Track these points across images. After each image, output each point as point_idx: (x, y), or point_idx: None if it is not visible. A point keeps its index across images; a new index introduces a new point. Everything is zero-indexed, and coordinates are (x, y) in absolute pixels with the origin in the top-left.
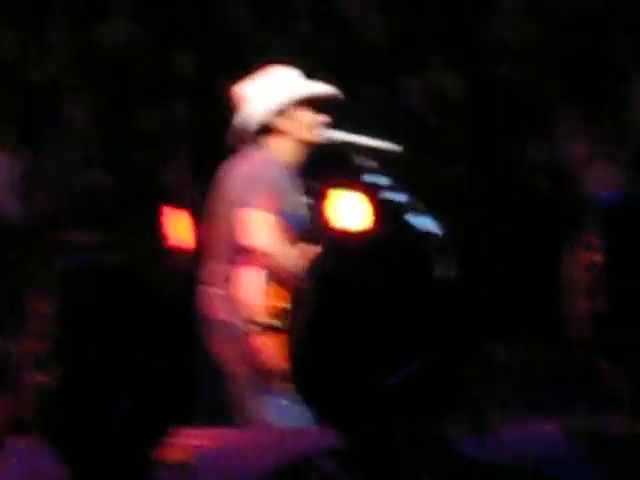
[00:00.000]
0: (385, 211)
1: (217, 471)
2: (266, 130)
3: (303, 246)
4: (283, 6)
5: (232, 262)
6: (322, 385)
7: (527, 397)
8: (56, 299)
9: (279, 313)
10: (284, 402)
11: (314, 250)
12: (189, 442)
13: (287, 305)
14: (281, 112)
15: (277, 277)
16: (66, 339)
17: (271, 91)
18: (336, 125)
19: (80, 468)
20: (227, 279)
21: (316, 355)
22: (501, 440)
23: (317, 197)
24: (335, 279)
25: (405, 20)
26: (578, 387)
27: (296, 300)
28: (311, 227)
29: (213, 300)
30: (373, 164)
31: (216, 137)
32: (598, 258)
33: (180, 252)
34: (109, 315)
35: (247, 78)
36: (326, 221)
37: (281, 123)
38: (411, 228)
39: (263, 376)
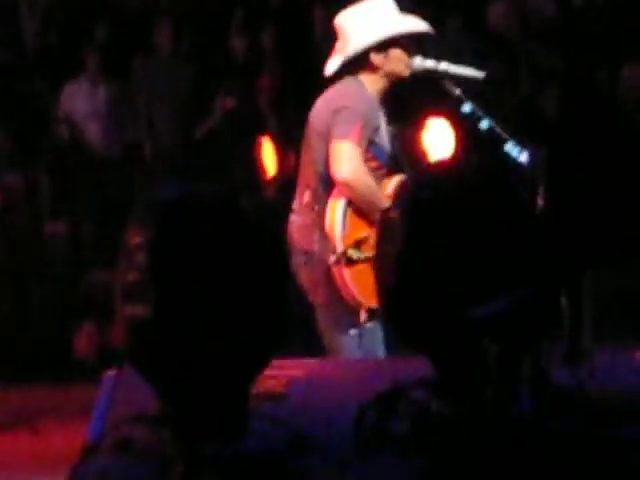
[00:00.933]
0: (480, 141)
1: (310, 402)
2: (360, 63)
3: (396, 179)
4: None
5: (319, 192)
6: (413, 315)
7: (627, 325)
8: (151, 229)
9: (359, 243)
10: (363, 331)
11: (402, 180)
12: (282, 373)
13: (368, 235)
14: (377, 47)
15: (359, 208)
16: (161, 270)
17: (369, 25)
18: (424, 53)
19: (173, 401)
20: (311, 208)
21: (407, 286)
22: (598, 369)
23: (407, 126)
24: (428, 209)
25: None
26: None
27: (383, 232)
28: (400, 157)
29: (300, 230)
30: (461, 92)
31: (306, 67)
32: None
33: (272, 182)
34: (206, 246)
35: (345, 8)
36: (419, 150)
37: (376, 58)
38: (507, 159)
39: (342, 306)
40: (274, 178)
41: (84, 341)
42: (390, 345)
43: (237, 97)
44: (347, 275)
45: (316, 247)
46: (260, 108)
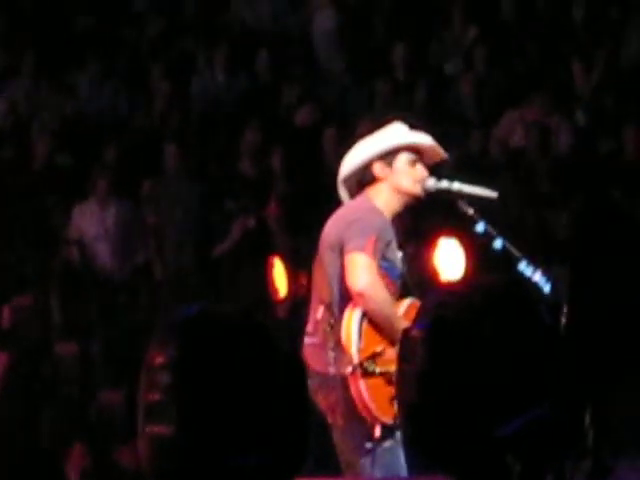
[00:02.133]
0: (496, 261)
1: None
2: (368, 179)
3: (408, 300)
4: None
5: (333, 306)
6: (434, 435)
7: None
8: (172, 348)
9: (374, 356)
10: (386, 449)
11: (418, 304)
12: None
13: (383, 349)
14: (381, 159)
15: (375, 321)
16: (183, 390)
17: (376, 140)
18: (433, 172)
19: None
20: (326, 323)
21: (428, 405)
22: None
23: (419, 247)
24: (448, 328)
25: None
26: None
27: (404, 350)
28: (409, 279)
29: (314, 351)
30: (474, 211)
31: (316, 188)
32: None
33: (284, 302)
34: (227, 364)
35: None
36: (432, 270)
37: (381, 171)
38: (522, 278)
39: (360, 424)
40: (285, 298)
41: (74, 462)
42: (411, 465)
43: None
44: (363, 387)
45: (331, 369)
46: (271, 228)
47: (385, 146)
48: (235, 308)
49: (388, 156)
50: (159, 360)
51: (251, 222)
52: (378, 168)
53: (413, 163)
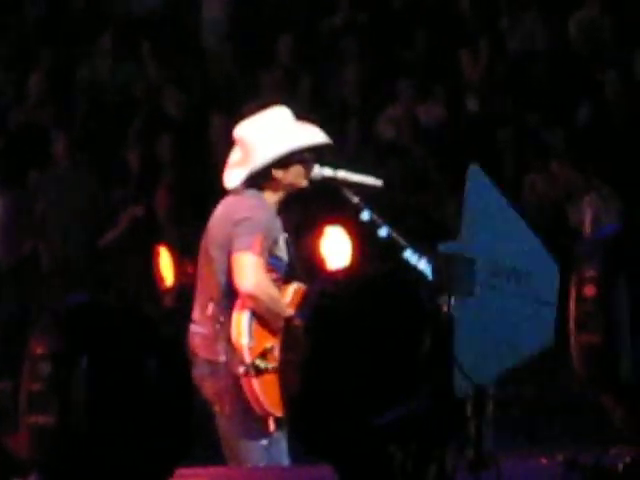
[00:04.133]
0: (380, 248)
1: None
2: (263, 177)
3: (293, 286)
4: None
5: (222, 303)
6: (317, 424)
7: (528, 431)
8: (54, 338)
9: (265, 353)
10: (271, 440)
11: (303, 289)
12: None
13: (273, 345)
14: (279, 162)
15: (264, 318)
16: (65, 380)
17: (271, 139)
18: (319, 160)
19: None
20: (215, 319)
21: (311, 394)
22: (501, 476)
23: (306, 235)
24: (330, 318)
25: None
26: (579, 420)
27: (287, 340)
28: (296, 264)
29: (204, 340)
30: (359, 199)
31: (203, 176)
32: (592, 291)
33: (170, 291)
34: (109, 355)
35: (242, 119)
36: (319, 258)
37: (278, 172)
38: (405, 266)
39: (250, 415)
40: (172, 287)
41: None
42: (295, 453)
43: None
44: (256, 385)
45: (222, 358)
46: (158, 217)
47: (283, 151)
48: (119, 298)
49: (285, 159)
50: (40, 350)
51: (140, 211)
52: (277, 172)
53: (307, 161)
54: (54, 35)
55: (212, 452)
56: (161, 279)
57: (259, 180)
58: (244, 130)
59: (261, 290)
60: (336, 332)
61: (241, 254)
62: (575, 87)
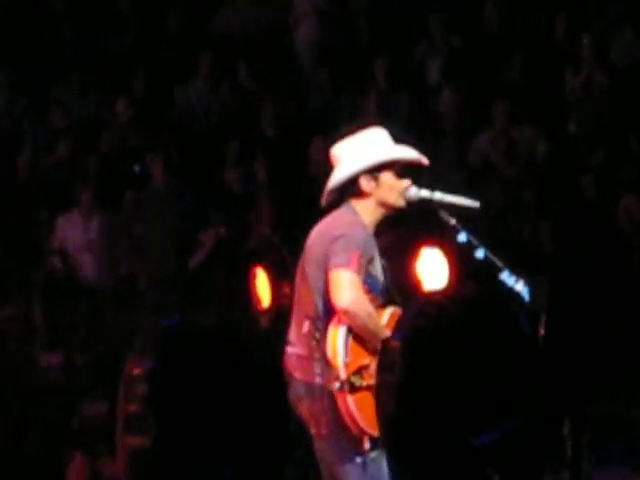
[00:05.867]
0: (477, 271)
1: None
2: (352, 190)
3: (390, 310)
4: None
5: (318, 322)
6: (413, 444)
7: (627, 453)
8: (149, 360)
9: (361, 370)
10: (365, 460)
11: (400, 313)
12: None
13: (369, 363)
14: (367, 174)
15: (360, 336)
16: (161, 401)
17: (360, 153)
18: (416, 182)
19: None
20: (311, 337)
21: (407, 416)
22: None
23: (401, 256)
24: (426, 340)
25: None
26: None
27: (384, 361)
28: (392, 289)
29: (300, 361)
30: (456, 221)
31: (300, 197)
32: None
33: (267, 312)
34: (203, 376)
35: (340, 139)
36: (415, 281)
37: (366, 184)
38: (502, 289)
39: (346, 435)
40: (269, 308)
41: (75, 472)
42: (394, 475)
43: (231, 226)
44: (351, 402)
45: (317, 379)
46: (258, 236)
47: (372, 160)
48: (213, 320)
49: (374, 170)
50: (137, 371)
51: (221, 231)
52: (364, 182)
53: (398, 176)
54: (151, 56)
55: (309, 476)
56: (258, 300)
57: (351, 194)
58: (339, 148)
59: (358, 306)
60: (433, 353)
61: (338, 271)
62: None
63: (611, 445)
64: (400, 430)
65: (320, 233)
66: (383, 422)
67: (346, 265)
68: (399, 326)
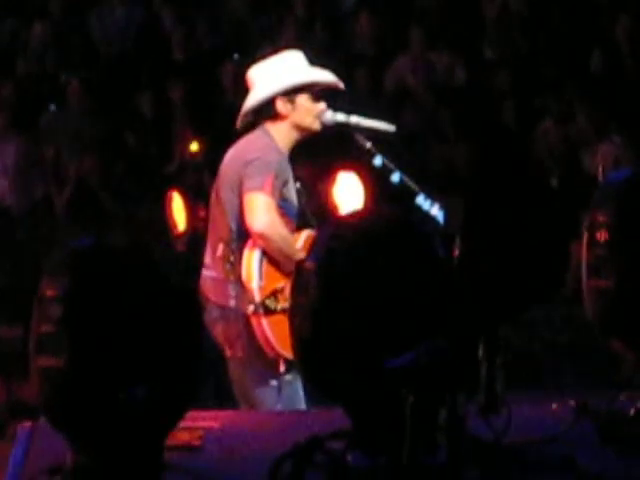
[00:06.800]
0: (392, 193)
1: (224, 453)
2: (267, 112)
3: (306, 233)
4: None
5: (232, 244)
6: (328, 366)
7: (539, 377)
8: (64, 281)
9: (275, 293)
10: (281, 382)
11: (313, 234)
12: (197, 425)
13: (284, 286)
14: (283, 96)
15: (275, 259)
16: (75, 322)
17: (276, 75)
18: (332, 106)
19: (88, 454)
20: (226, 260)
21: (322, 338)
22: (513, 420)
23: (317, 182)
24: (341, 261)
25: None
26: (590, 366)
27: (297, 283)
28: (307, 213)
29: (214, 284)
30: (371, 145)
31: (215, 121)
32: (604, 236)
33: (182, 236)
34: (117, 297)
35: (255, 62)
36: (332, 205)
37: (282, 107)
38: (417, 211)
39: (261, 358)
40: (184, 232)
41: None
42: (310, 397)
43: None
44: (265, 324)
45: (232, 302)
46: (176, 160)
47: (289, 83)
48: (127, 242)
49: (291, 93)
50: (51, 292)
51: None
52: (280, 104)
53: (315, 99)
54: None
55: (224, 397)
56: (173, 224)
57: (266, 116)
58: (256, 71)
59: (272, 229)
60: (347, 275)
61: (252, 194)
62: (588, 34)
63: (526, 369)
64: (314, 352)
65: (234, 157)
66: (297, 344)
67: (260, 188)
68: (313, 248)
